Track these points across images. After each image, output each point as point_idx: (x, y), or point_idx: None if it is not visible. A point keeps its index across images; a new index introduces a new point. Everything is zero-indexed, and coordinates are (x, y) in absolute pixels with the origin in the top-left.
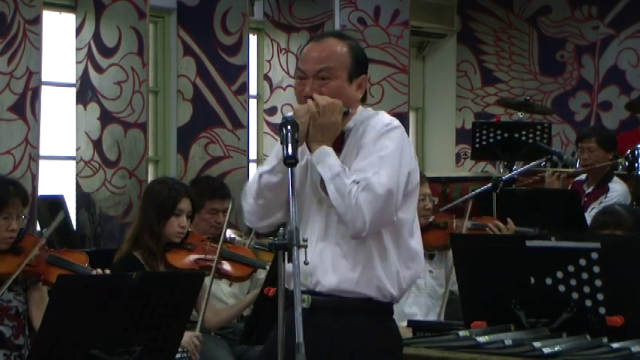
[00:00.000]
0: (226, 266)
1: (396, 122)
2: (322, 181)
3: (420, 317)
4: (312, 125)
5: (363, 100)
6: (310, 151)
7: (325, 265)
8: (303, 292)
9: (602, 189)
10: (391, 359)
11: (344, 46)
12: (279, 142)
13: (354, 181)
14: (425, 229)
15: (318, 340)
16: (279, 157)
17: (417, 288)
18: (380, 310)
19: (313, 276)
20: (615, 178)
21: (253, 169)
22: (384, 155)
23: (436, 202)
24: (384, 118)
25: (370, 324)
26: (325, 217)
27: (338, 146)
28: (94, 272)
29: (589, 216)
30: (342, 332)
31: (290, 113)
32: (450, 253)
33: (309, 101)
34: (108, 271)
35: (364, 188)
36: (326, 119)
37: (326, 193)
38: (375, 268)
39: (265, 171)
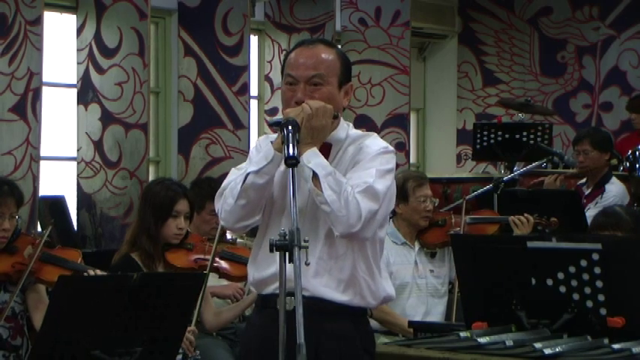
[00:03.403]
0: (225, 265)
1: (391, 147)
2: (314, 178)
3: (421, 318)
4: (305, 127)
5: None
6: (299, 153)
7: (306, 274)
8: (287, 295)
9: (599, 190)
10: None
11: (332, 53)
12: (271, 142)
13: (346, 183)
14: (424, 229)
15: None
16: (268, 158)
17: (418, 288)
18: (360, 313)
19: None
20: (613, 179)
21: None
22: (382, 170)
23: (437, 204)
24: (380, 141)
25: (354, 326)
26: (302, 227)
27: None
28: (90, 270)
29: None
30: (329, 334)
31: (277, 117)
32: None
33: (304, 104)
34: (99, 271)
35: (364, 190)
36: (319, 121)
37: (319, 188)
38: (360, 285)
39: (252, 171)
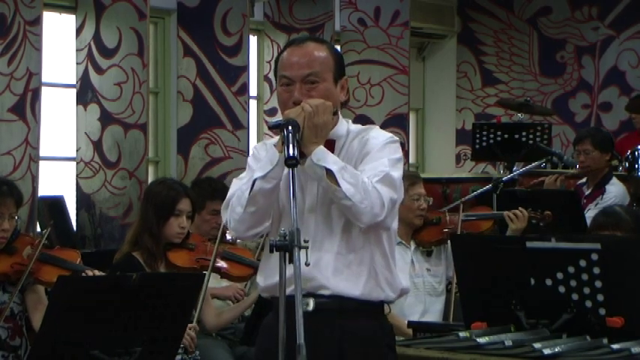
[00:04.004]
0: (226, 265)
1: (396, 137)
2: (328, 175)
3: (419, 316)
4: (307, 126)
5: (345, 104)
6: (305, 153)
7: (326, 272)
8: (304, 296)
9: (600, 191)
10: (395, 356)
11: (324, 50)
12: (273, 144)
13: (360, 175)
14: (419, 228)
15: (325, 342)
16: (273, 162)
17: (415, 287)
18: (380, 308)
19: (314, 280)
20: (613, 180)
21: None
22: (394, 160)
23: (431, 203)
24: (385, 132)
25: (374, 323)
26: (315, 226)
27: None
28: (88, 270)
29: (586, 218)
30: (351, 332)
31: (276, 120)
32: (448, 247)
33: (304, 103)
34: (97, 272)
35: (381, 179)
36: (320, 119)
37: (335, 184)
38: (379, 277)
39: (259, 177)
